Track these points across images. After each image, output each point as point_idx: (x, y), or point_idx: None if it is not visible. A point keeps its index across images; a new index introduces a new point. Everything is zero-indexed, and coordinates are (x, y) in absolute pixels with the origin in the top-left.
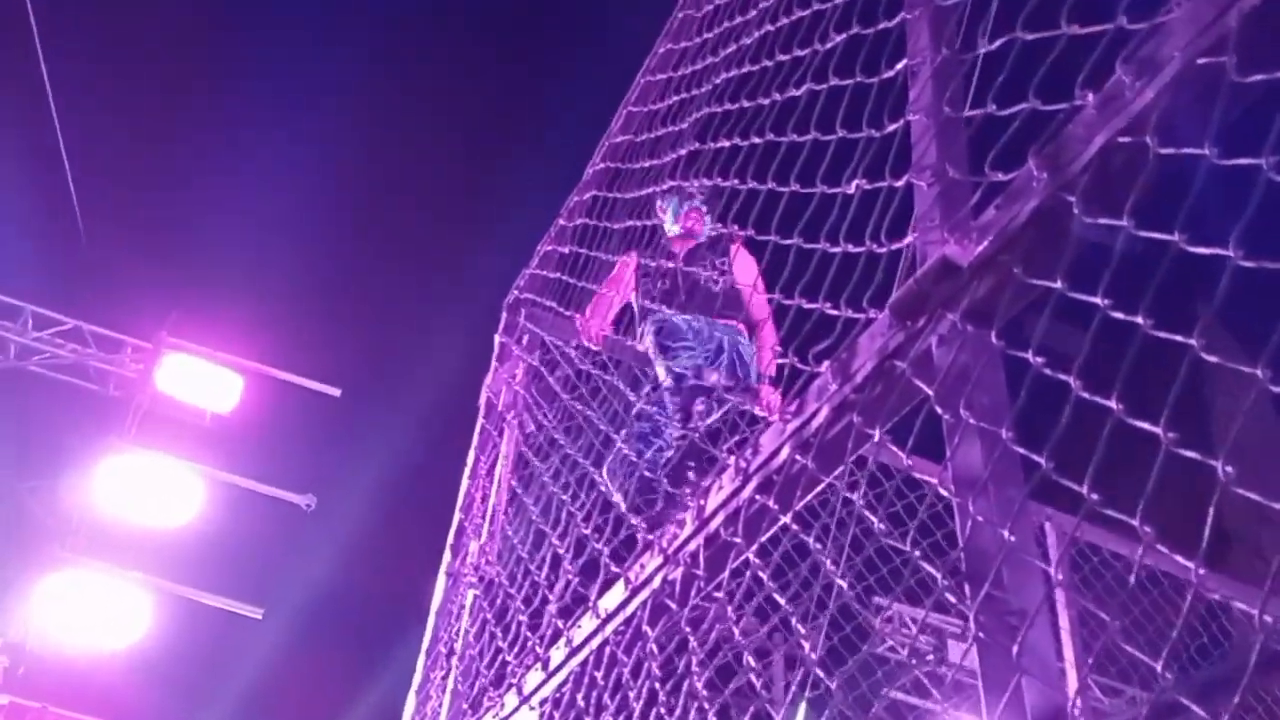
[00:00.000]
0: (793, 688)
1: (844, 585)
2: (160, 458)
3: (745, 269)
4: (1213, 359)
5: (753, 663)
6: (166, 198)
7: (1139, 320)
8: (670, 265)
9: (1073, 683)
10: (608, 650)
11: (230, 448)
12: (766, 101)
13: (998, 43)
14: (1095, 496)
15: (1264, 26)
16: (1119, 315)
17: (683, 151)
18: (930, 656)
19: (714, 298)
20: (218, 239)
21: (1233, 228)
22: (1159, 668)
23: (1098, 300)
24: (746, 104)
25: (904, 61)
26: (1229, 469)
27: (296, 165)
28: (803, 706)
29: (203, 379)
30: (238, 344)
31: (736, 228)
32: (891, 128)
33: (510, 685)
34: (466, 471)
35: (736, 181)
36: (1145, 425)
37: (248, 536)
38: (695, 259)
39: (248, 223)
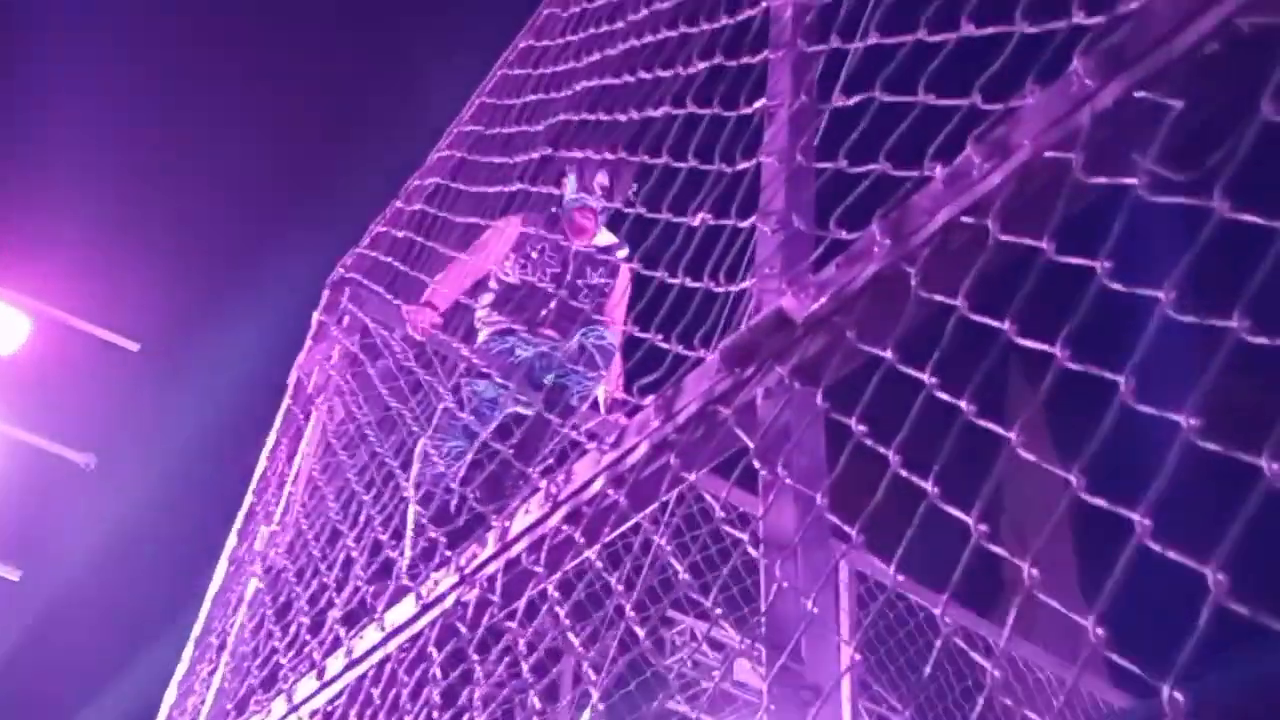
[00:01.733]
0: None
1: (640, 632)
2: None
3: (621, 296)
4: (1030, 457)
5: (538, 704)
6: None
7: (962, 405)
8: (563, 244)
9: None
10: (389, 667)
11: (8, 394)
12: (624, 118)
13: (855, 99)
14: (900, 578)
15: (1115, 128)
16: (944, 396)
17: (534, 155)
18: (716, 672)
19: (577, 311)
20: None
21: (1064, 322)
22: None
23: (924, 376)
24: (604, 117)
25: (762, 101)
26: (1034, 572)
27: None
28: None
29: None
30: (30, 283)
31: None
32: (743, 166)
33: (280, 690)
34: (265, 453)
35: (621, 205)
36: (957, 513)
37: (14, 492)
38: (581, 260)
39: (56, 157)
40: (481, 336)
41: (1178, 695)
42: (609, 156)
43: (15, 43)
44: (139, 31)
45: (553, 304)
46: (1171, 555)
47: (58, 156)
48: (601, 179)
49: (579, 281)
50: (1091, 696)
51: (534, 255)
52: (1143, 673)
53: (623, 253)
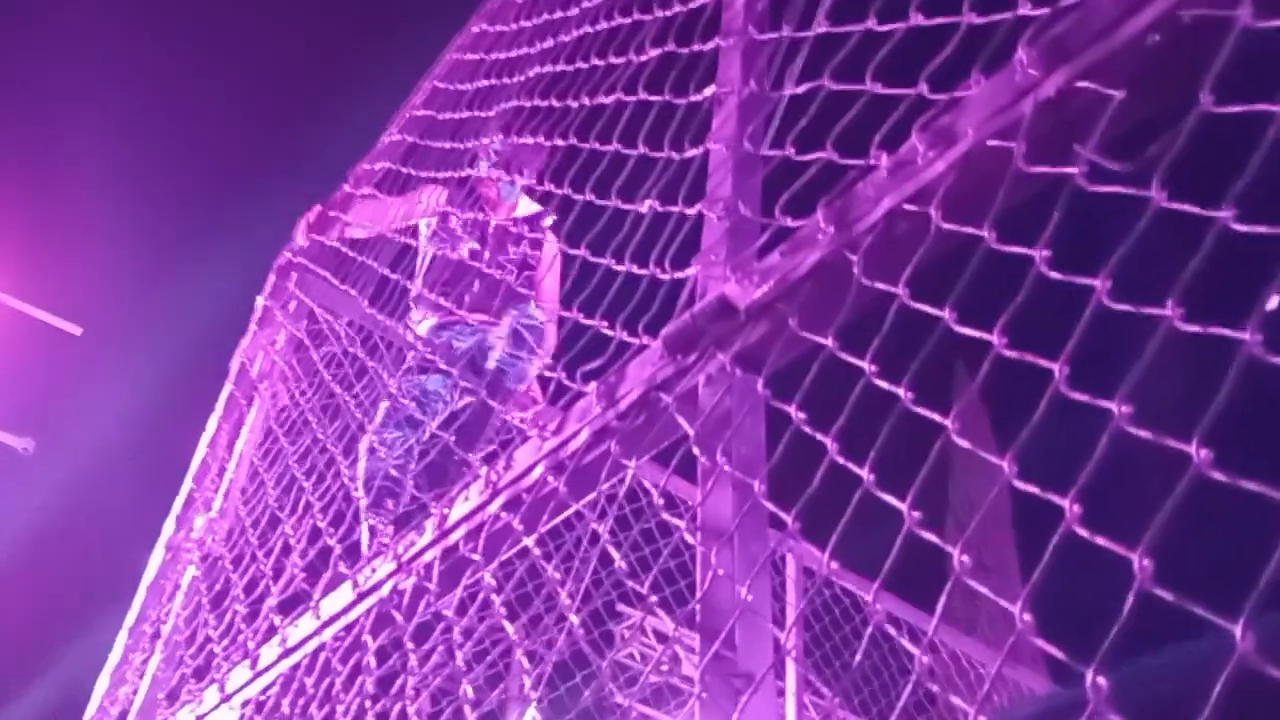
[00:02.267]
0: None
1: (575, 620)
2: None
3: (549, 266)
4: (965, 444)
5: (471, 693)
6: None
7: (900, 392)
8: (482, 219)
9: None
10: (323, 656)
11: None
12: (575, 105)
13: (804, 87)
14: (834, 565)
15: (1057, 118)
16: (882, 384)
17: (485, 141)
18: (665, 667)
19: (498, 286)
20: None
21: (1003, 309)
22: None
23: (864, 364)
24: (555, 103)
25: (712, 88)
26: (965, 559)
27: (60, 78)
28: (531, 709)
29: None
30: None
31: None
32: (691, 153)
33: (213, 680)
34: (205, 439)
35: (533, 182)
36: (893, 501)
37: None
38: (499, 234)
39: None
40: (422, 328)
41: (1100, 680)
42: (512, 105)
43: None
44: (81, 16)
45: (475, 282)
46: (1100, 542)
47: (3, 142)
48: (499, 143)
49: (499, 257)
50: (1030, 690)
51: (456, 230)
52: (1067, 658)
53: (549, 220)
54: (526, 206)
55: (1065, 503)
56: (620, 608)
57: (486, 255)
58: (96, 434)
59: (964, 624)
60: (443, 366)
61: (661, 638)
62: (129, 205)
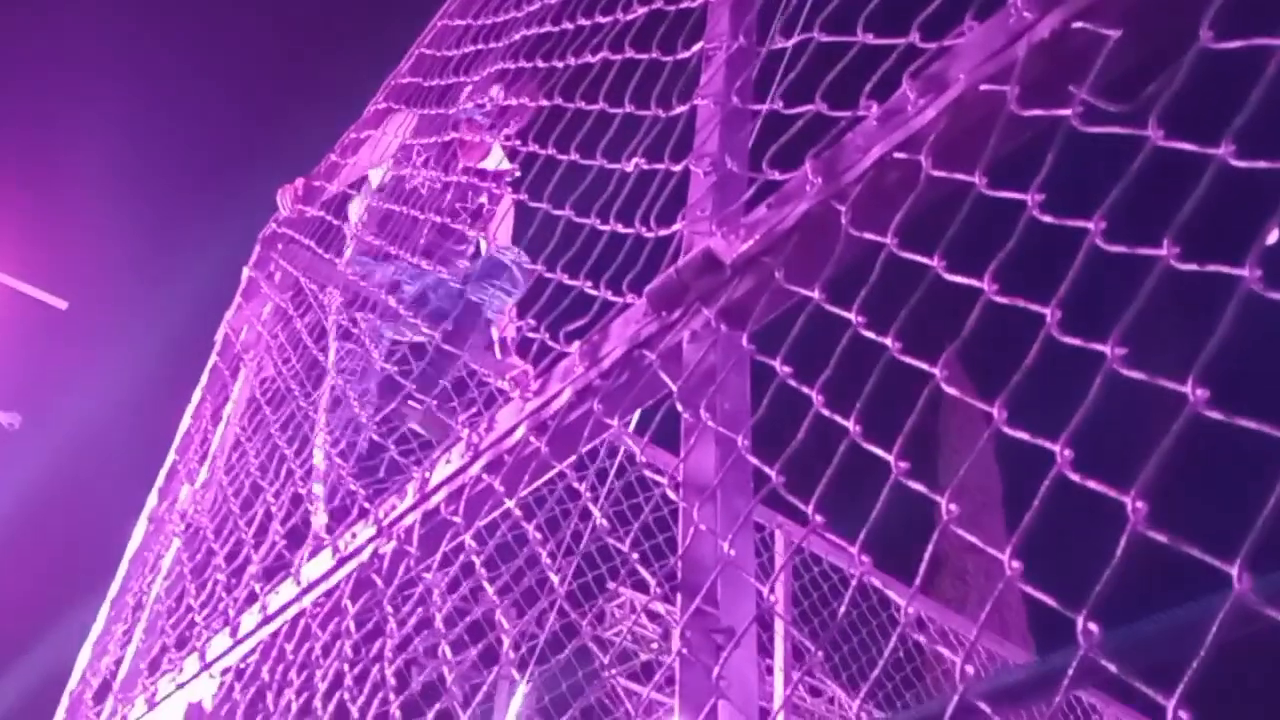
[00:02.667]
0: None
1: (555, 579)
2: None
3: (500, 221)
4: (953, 391)
5: (449, 653)
6: None
7: (888, 343)
8: (449, 160)
9: (779, 697)
10: (303, 622)
11: None
12: (560, 65)
13: (793, 40)
14: (819, 519)
15: (1051, 61)
16: (870, 335)
17: (471, 104)
18: (655, 645)
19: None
20: None
21: (993, 257)
22: (856, 707)
23: (850, 316)
24: (541, 64)
25: (700, 45)
26: (952, 507)
27: (50, 58)
28: (521, 688)
29: None
30: None
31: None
32: (678, 110)
33: (193, 649)
34: (190, 410)
35: (518, 142)
36: (879, 451)
37: None
38: (466, 181)
39: None
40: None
41: (1092, 626)
42: (508, 67)
43: None
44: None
45: (426, 227)
46: (1092, 485)
47: None
48: (496, 93)
49: (459, 205)
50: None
51: (419, 165)
52: (1059, 606)
53: (514, 175)
54: (496, 160)
55: (1056, 447)
56: (610, 585)
57: (448, 198)
58: (83, 409)
59: (954, 604)
60: (401, 310)
61: (653, 616)
62: (116, 181)
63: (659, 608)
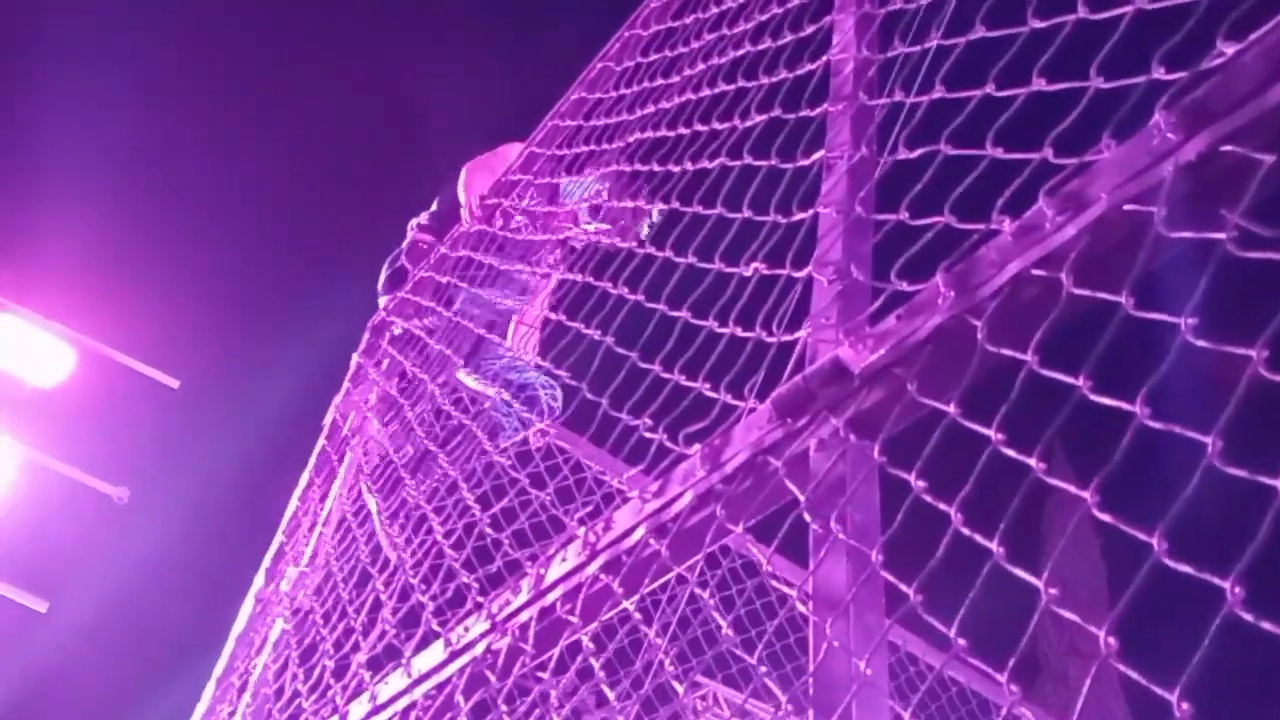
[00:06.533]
0: None
1: (680, 689)
2: None
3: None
4: (1106, 517)
5: None
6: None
7: (1031, 463)
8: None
9: None
10: (414, 715)
11: (47, 425)
12: (676, 169)
13: (919, 152)
14: (962, 642)
15: (1199, 182)
16: (1011, 453)
17: (584, 204)
18: None
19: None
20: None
21: (1142, 380)
22: None
23: (990, 433)
24: (656, 168)
25: (821, 153)
26: (1053, 590)
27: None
28: None
29: (30, 346)
30: (76, 317)
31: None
32: (799, 216)
33: None
34: (297, 492)
35: (634, 244)
36: (1027, 576)
37: (46, 523)
38: (546, 242)
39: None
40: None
41: (1185, 705)
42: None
43: (48, 74)
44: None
45: (497, 263)
46: (1184, 569)
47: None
48: (602, 188)
49: (531, 258)
50: None
51: (518, 201)
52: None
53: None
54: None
55: (1153, 540)
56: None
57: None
58: (189, 484)
59: (1055, 709)
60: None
61: (743, 714)
62: (228, 258)
63: (737, 698)
